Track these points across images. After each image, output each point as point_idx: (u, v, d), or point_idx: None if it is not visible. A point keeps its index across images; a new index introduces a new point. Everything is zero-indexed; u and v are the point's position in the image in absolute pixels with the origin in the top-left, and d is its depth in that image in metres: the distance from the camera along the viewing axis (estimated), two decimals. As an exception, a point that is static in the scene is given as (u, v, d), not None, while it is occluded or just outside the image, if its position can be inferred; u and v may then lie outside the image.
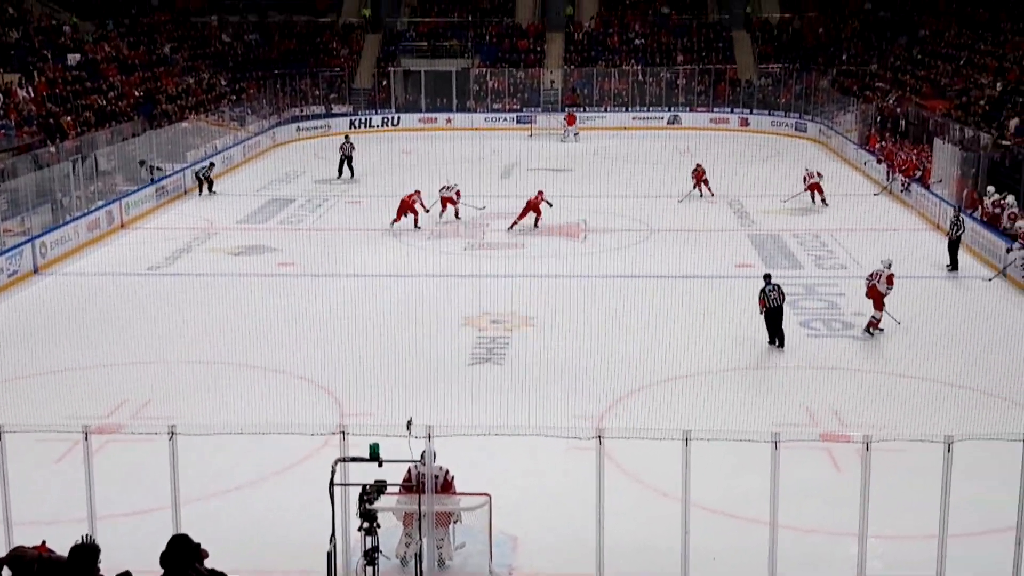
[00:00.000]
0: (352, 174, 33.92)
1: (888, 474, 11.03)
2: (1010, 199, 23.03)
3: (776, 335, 17.11)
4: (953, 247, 22.01)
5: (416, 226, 25.96)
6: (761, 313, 17.18)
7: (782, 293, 17.14)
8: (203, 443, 10.41)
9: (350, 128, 44.15)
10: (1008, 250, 21.14)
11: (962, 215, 22.78)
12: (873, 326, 17.58)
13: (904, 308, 19.12)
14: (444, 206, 26.97)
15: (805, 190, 28.77)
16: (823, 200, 28.49)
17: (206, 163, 32.44)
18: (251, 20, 49.74)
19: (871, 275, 18.01)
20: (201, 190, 31.18)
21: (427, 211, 26.42)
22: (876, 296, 17.71)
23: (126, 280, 21.90)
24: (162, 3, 48.87)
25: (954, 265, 21.87)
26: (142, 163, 30.45)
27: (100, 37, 40.40)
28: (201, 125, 36.84)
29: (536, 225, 25.85)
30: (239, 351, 17.08)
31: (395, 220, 26.03)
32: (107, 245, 25.08)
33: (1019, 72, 31.87)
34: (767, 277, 17.40)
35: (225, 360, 16.71)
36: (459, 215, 27.02)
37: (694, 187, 29.64)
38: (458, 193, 27.11)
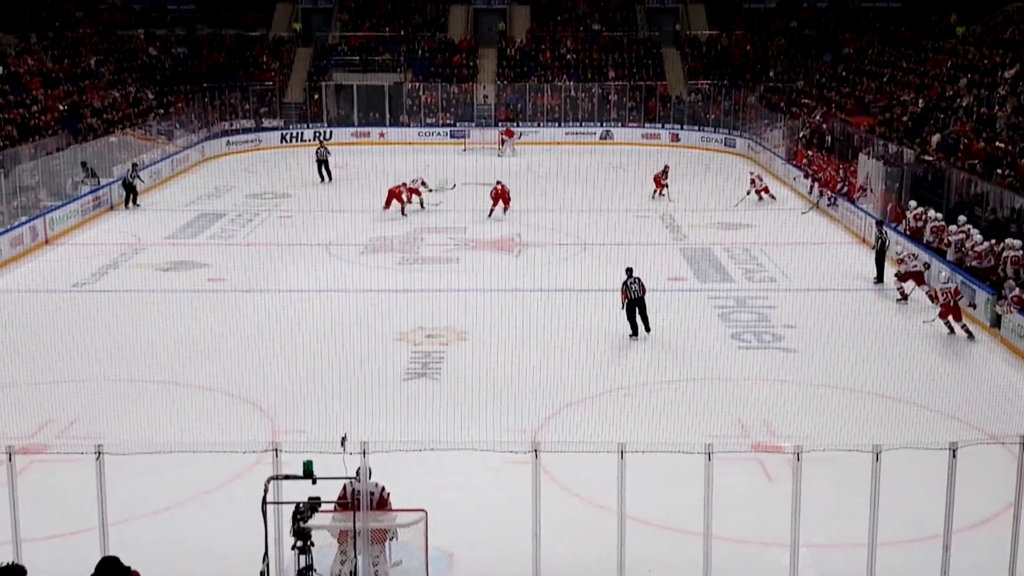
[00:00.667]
0: (330, 177, 35.40)
1: (818, 484, 11.20)
2: (932, 212, 23.60)
3: (643, 323, 18.32)
4: (879, 259, 22.48)
5: (403, 214, 28.73)
6: (623, 306, 18.31)
7: (643, 286, 18.37)
8: (131, 463, 10.22)
9: (281, 142, 43.90)
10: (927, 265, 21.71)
11: (886, 228, 23.29)
12: (968, 331, 18.51)
13: (831, 320, 19.49)
14: (410, 198, 29.24)
15: (756, 192, 31.33)
16: (771, 195, 31.47)
17: (128, 166, 31.75)
18: (179, 34, 49.10)
19: (941, 294, 18.73)
20: (128, 201, 30.63)
21: (409, 201, 29.24)
22: (955, 310, 18.45)
23: (51, 297, 21.43)
24: (87, 17, 48.01)
25: (880, 277, 22.34)
26: (84, 165, 30.35)
27: (23, 50, 39.57)
28: (128, 139, 36.23)
29: (504, 212, 28.63)
30: (168, 368, 16.80)
31: (386, 206, 28.87)
32: (31, 261, 24.52)
33: (940, 89, 32.73)
34: (629, 271, 18.50)
35: (154, 378, 16.42)
36: (424, 205, 29.55)
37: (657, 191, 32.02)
38: (424, 183, 29.86)
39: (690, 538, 10.29)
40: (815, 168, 32.51)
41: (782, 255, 24.67)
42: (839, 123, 35.54)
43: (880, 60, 40.67)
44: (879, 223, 23.75)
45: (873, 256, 22.82)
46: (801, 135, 36.99)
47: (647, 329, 18.28)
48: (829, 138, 35.26)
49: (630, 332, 18.27)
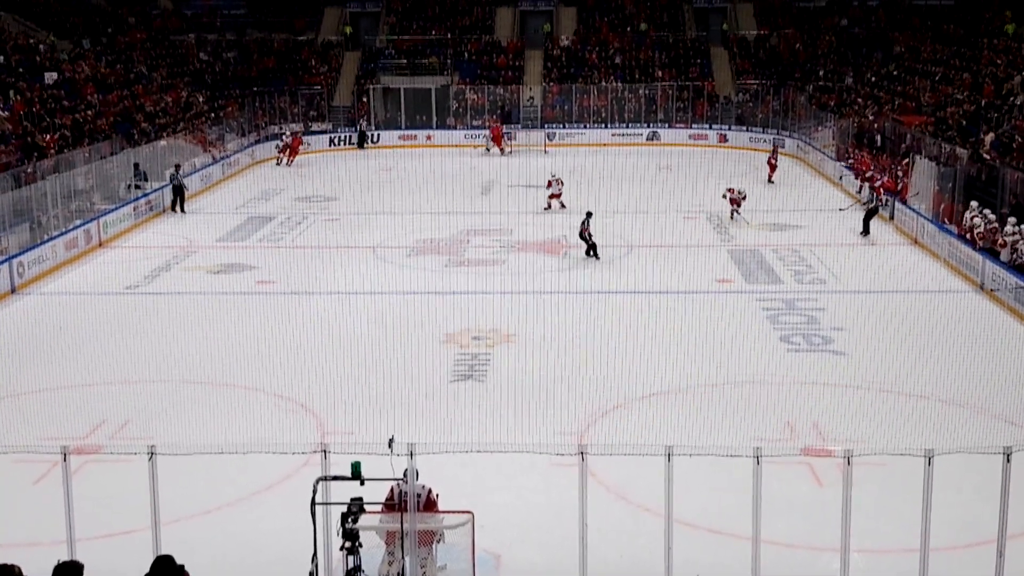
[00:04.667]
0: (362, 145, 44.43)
1: (869, 488, 11.09)
2: (987, 213, 23.23)
3: (593, 253, 24.23)
4: (867, 218, 26.25)
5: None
6: (582, 237, 24.32)
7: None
8: (183, 463, 10.34)
9: (329, 146, 44.32)
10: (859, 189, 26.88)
11: (882, 191, 27.68)
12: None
13: (882, 323, 19.26)
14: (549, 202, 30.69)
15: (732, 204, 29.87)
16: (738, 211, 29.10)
17: (172, 169, 31.78)
18: (229, 38, 49.69)
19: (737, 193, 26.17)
20: (175, 205, 30.87)
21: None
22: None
23: (104, 299, 21.75)
24: (139, 22, 48.75)
25: (865, 231, 26.23)
26: (136, 167, 31.01)
27: (77, 56, 40.25)
28: (180, 143, 36.74)
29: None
30: (219, 370, 16.99)
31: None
32: (85, 264, 24.93)
33: (994, 87, 32.20)
34: (589, 214, 24.41)
35: (205, 379, 16.61)
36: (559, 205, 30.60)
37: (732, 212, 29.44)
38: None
39: (738, 542, 10.22)
40: (864, 167, 32.11)
41: (832, 256, 24.41)
42: (891, 122, 35.08)
43: (932, 58, 40.09)
44: (874, 188, 27.68)
45: (863, 215, 26.45)
46: (852, 135, 36.61)
47: (596, 255, 24.12)
48: (879, 138, 34.82)
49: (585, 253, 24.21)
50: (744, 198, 28.90)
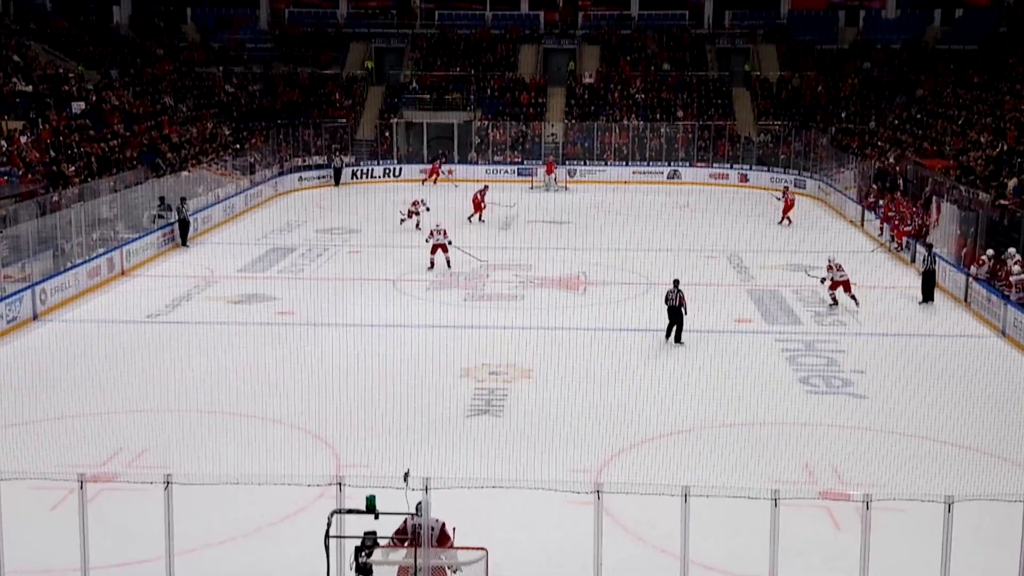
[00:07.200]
0: (336, 183, 43.44)
1: (888, 533, 10.97)
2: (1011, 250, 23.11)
3: (676, 333, 20.50)
4: (927, 282, 23.82)
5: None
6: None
7: (682, 299, 20.37)
8: (199, 493, 10.35)
9: (352, 179, 44.54)
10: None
11: (935, 253, 25.20)
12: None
13: (902, 366, 19.13)
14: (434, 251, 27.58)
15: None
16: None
17: (178, 202, 31.25)
18: (255, 71, 50.21)
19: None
20: (184, 237, 30.88)
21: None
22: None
23: (125, 328, 21.87)
24: (166, 54, 49.33)
25: (926, 298, 23.76)
26: (161, 200, 30.99)
27: (105, 86, 40.74)
28: (204, 174, 37.02)
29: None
30: (237, 400, 17.02)
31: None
32: (107, 292, 25.09)
33: (1017, 133, 32.13)
34: (675, 282, 20.82)
35: (222, 409, 16.65)
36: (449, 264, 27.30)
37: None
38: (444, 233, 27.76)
39: (754, 585, 10.11)
40: (886, 209, 32.05)
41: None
42: (912, 166, 35.02)
43: (955, 103, 40.07)
44: (928, 247, 25.39)
45: (921, 279, 24.26)
46: (874, 177, 36.55)
47: (676, 340, 20.21)
48: (901, 181, 34.75)
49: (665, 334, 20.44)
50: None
